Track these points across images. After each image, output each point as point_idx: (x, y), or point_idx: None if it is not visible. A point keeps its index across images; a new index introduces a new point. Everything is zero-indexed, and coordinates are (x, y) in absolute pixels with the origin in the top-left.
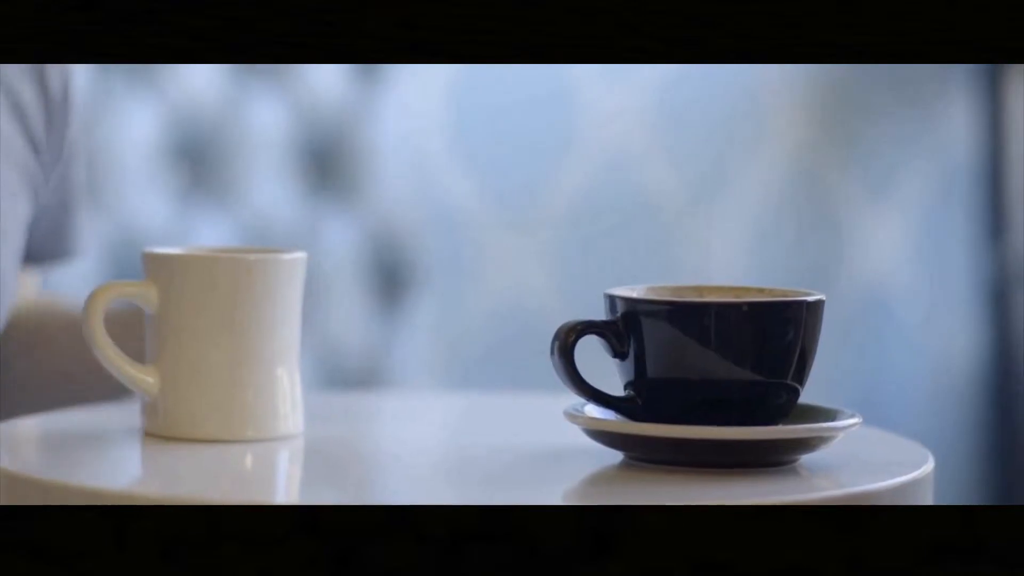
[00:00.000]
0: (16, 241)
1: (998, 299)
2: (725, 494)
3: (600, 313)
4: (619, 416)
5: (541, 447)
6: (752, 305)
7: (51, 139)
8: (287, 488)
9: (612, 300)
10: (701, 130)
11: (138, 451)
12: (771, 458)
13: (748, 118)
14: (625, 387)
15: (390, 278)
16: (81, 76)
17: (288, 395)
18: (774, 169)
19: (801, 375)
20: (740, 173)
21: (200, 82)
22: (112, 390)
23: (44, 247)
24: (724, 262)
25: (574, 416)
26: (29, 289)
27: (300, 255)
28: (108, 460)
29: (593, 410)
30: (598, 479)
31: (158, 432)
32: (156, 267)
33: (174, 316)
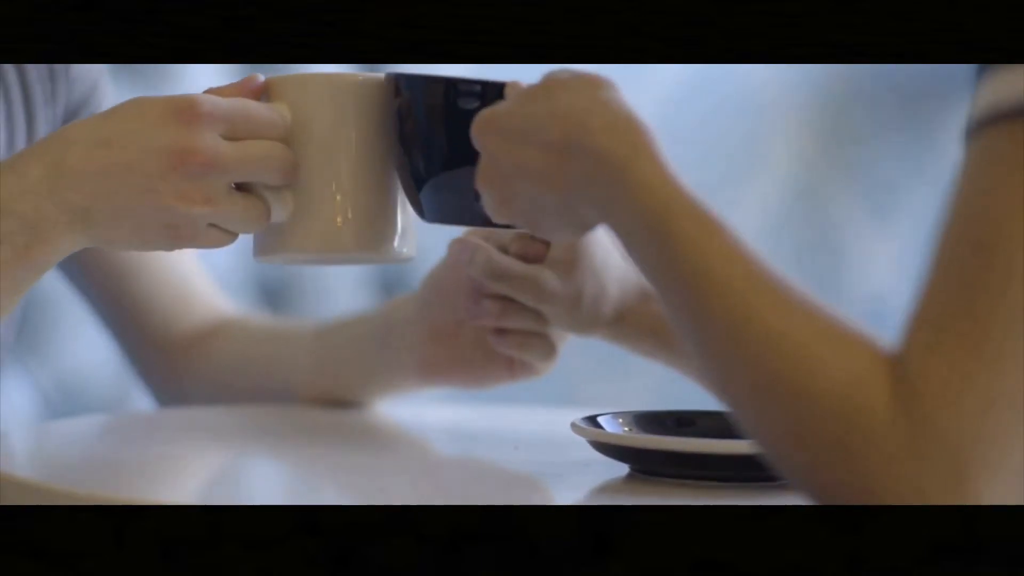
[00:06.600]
0: None
1: None
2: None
3: None
4: None
5: (547, 459)
6: None
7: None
8: (287, 489)
9: None
10: (700, 148)
11: (139, 456)
12: (776, 472)
13: (748, 136)
14: None
15: (395, 291)
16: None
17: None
18: (774, 188)
19: None
20: (740, 191)
21: (204, 83)
22: None
23: None
24: None
25: (581, 429)
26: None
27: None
28: (110, 464)
29: (603, 422)
30: (602, 489)
31: (285, 250)
32: (284, 89)
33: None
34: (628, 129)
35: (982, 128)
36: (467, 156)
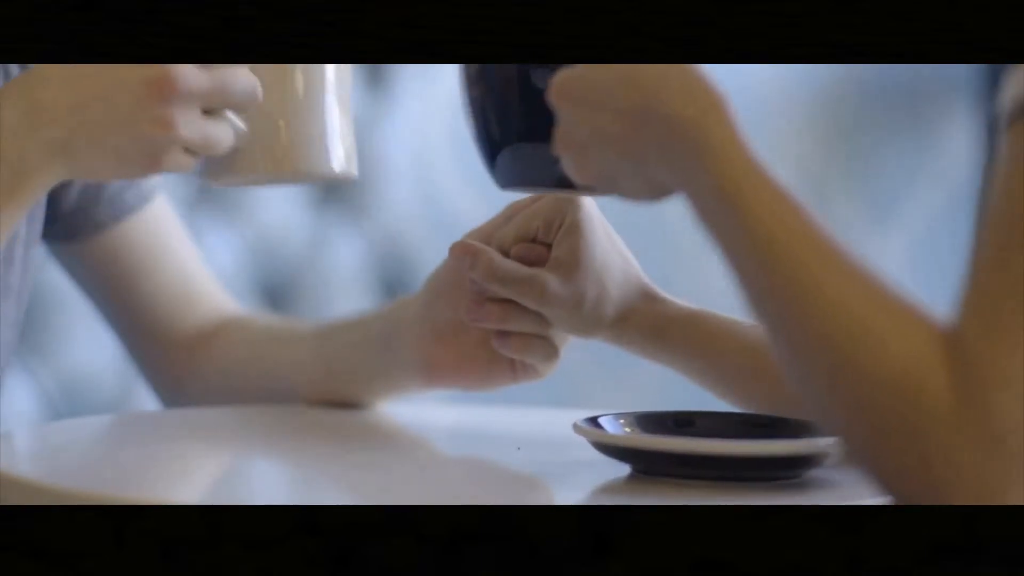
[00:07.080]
0: None
1: None
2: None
3: None
4: None
5: (548, 459)
6: None
7: None
8: (287, 489)
9: None
10: None
11: (140, 456)
12: (776, 473)
13: (748, 136)
14: None
15: (396, 292)
16: None
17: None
18: None
19: None
20: None
21: None
22: None
23: (124, 198)
24: (725, 286)
25: (582, 429)
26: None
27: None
28: (110, 464)
29: (604, 423)
30: (603, 490)
31: (232, 173)
32: None
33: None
34: (701, 96)
35: (1021, 116)
36: (546, 121)
